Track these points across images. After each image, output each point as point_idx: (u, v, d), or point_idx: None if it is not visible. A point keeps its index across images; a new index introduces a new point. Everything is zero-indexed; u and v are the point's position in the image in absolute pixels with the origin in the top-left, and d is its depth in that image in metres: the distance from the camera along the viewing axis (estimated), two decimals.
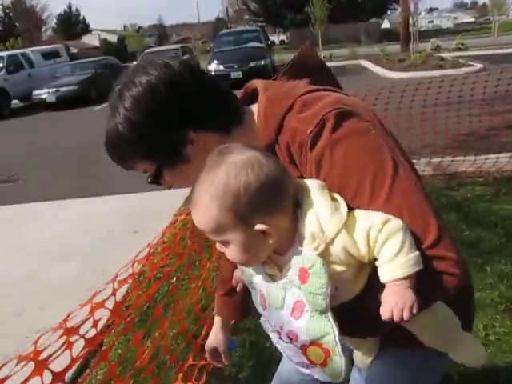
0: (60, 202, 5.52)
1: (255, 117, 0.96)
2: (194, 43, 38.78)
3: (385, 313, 0.75)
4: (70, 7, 55.21)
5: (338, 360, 0.79)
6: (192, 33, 51.51)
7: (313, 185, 0.80)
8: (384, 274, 0.76)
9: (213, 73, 14.66)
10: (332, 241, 0.76)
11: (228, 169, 0.75)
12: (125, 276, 1.49)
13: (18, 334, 2.88)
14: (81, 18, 56.52)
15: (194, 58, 19.81)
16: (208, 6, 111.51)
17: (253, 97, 1.01)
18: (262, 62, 14.27)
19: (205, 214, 0.77)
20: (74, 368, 1.44)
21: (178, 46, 19.90)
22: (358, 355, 1.05)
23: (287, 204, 0.78)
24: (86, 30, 56.65)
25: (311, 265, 0.76)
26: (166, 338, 2.40)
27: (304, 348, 0.81)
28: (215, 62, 14.65)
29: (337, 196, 0.79)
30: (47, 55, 19.00)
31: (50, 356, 1.20)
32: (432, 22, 66.31)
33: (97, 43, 47.77)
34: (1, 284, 3.62)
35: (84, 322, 1.42)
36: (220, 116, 0.93)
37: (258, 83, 1.00)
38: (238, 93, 1.07)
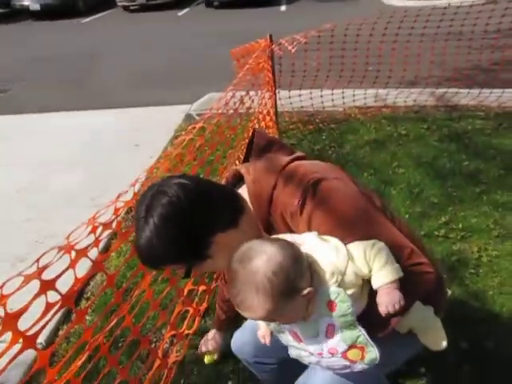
0: (55, 114, 5.41)
1: (248, 200, 1.15)
2: None
3: (383, 310, 1.00)
4: None
5: (373, 350, 1.00)
6: None
7: (311, 236, 1.02)
8: (377, 281, 1.00)
9: None
10: (345, 271, 0.97)
11: (263, 269, 0.91)
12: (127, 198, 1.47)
13: (28, 238, 2.96)
14: None
15: None
16: None
17: (237, 179, 1.24)
18: None
19: (261, 310, 0.93)
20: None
21: None
22: None
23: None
24: None
25: (336, 295, 0.96)
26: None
27: (344, 354, 1.02)
28: None
29: (331, 238, 1.02)
30: None
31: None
32: None
33: None
34: (3, 194, 3.64)
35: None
36: (230, 214, 1.11)
37: (240, 168, 1.21)
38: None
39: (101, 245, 1.40)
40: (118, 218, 1.46)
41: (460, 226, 2.74)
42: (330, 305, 0.98)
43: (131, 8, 14.98)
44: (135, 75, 6.98)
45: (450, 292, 1.40)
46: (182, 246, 1.04)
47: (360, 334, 0.99)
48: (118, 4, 14.95)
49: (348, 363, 1.03)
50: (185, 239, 1.03)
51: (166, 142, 4.24)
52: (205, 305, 2.23)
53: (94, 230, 1.33)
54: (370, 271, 1.00)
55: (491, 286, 2.31)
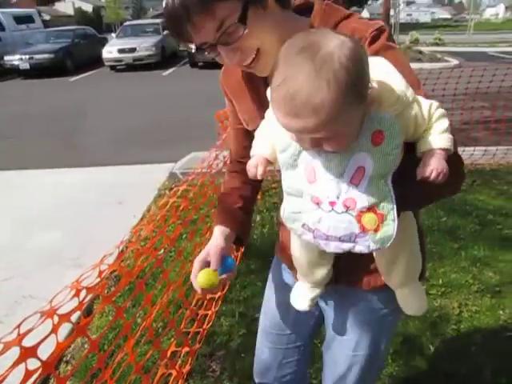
0: (39, 172, 5.44)
1: (312, 16, 0.98)
2: None
3: (425, 172, 0.81)
4: None
5: (392, 223, 0.83)
6: None
7: (382, 60, 0.83)
8: (435, 142, 0.83)
9: (193, 51, 14.45)
10: (409, 105, 0.82)
11: (337, 54, 0.71)
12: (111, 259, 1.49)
13: (7, 298, 2.90)
14: None
15: None
16: None
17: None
18: None
19: (328, 107, 0.70)
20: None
21: (158, 20, 19.45)
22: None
23: None
24: None
25: (389, 126, 0.79)
26: (158, 307, 2.48)
27: (360, 215, 0.83)
28: None
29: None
30: (19, 19, 18.19)
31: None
32: (410, 15, 67.07)
33: (71, 11, 46.06)
34: None
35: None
36: None
37: None
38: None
39: (84, 307, 1.40)
40: (103, 281, 1.47)
41: (440, 281, 2.79)
42: (376, 136, 0.80)
43: (118, 67, 15.51)
44: (120, 133, 7.11)
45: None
46: None
47: (387, 194, 0.82)
48: (106, 64, 15.47)
49: (357, 231, 0.84)
50: None
51: (150, 201, 4.27)
52: (188, 367, 2.19)
53: (77, 294, 1.33)
54: (426, 130, 0.84)
55: (473, 342, 2.33)
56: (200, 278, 1.10)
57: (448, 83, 5.02)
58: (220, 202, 1.30)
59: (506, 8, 76.24)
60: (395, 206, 0.82)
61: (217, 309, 2.59)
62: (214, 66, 14.65)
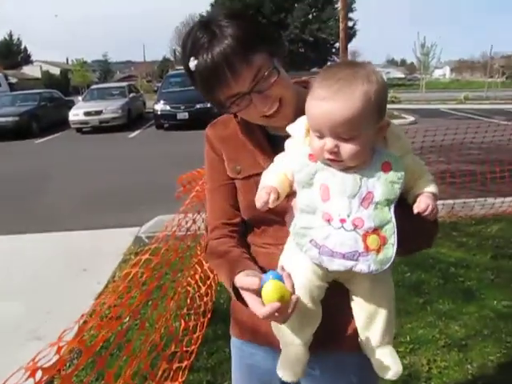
0: None
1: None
2: (140, 82, 38.74)
3: (422, 206, 0.97)
4: (10, 35, 53.83)
5: (391, 247, 0.94)
6: (137, 71, 51.54)
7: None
8: (427, 187, 1.01)
9: (159, 112, 14.78)
10: (407, 153, 1.01)
11: (372, 77, 0.93)
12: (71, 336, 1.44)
13: None
14: (22, 47, 55.15)
15: (141, 97, 19.86)
16: (155, 45, 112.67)
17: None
18: (208, 105, 14.47)
19: (353, 107, 0.90)
20: None
21: (124, 83, 19.87)
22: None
23: None
24: (28, 60, 55.20)
25: (394, 160, 0.96)
26: (122, 381, 2.37)
27: (365, 235, 0.94)
28: (162, 101, 14.76)
29: None
30: None
31: None
32: None
33: (38, 75, 46.52)
34: None
35: None
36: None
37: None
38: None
39: None
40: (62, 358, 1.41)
41: (408, 338, 2.80)
42: (385, 166, 0.96)
43: (84, 130, 15.56)
44: (85, 197, 7.03)
45: None
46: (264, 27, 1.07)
47: (391, 220, 0.94)
48: (72, 126, 15.53)
49: (361, 249, 0.93)
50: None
51: (115, 266, 4.18)
52: None
53: (33, 375, 1.27)
54: (417, 179, 1.01)
55: None
56: (269, 292, 0.91)
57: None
58: (223, 264, 1.13)
59: (451, 70, 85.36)
60: (396, 232, 0.94)
61: (183, 379, 2.50)
62: (180, 127, 14.86)
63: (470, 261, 3.85)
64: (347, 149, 0.93)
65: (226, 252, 1.15)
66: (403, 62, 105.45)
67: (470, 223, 4.80)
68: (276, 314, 0.91)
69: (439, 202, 3.66)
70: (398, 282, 3.47)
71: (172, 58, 56.08)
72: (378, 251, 0.94)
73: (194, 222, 2.99)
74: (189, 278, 3.12)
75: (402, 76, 68.28)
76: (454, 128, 5.80)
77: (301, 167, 0.99)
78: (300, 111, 1.04)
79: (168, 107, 14.52)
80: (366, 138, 0.93)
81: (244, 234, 1.22)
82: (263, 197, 0.99)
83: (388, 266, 0.95)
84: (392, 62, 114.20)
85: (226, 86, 1.00)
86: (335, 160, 0.95)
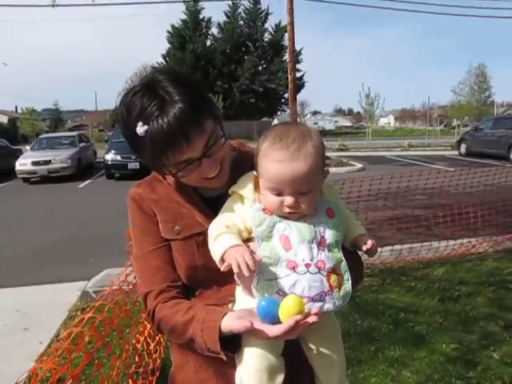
0: None
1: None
2: (91, 131, 38.34)
3: (369, 245, 1.09)
4: None
5: (347, 282, 1.04)
6: (89, 120, 51.07)
7: None
8: (361, 230, 1.14)
9: (110, 162, 14.60)
10: (338, 199, 1.15)
11: (313, 133, 1.04)
12: None
13: None
14: None
15: (91, 146, 19.60)
16: (106, 95, 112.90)
17: None
18: None
19: (311, 165, 0.99)
20: None
21: (74, 132, 19.61)
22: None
23: None
24: None
25: (335, 206, 1.09)
26: None
27: (328, 275, 1.01)
28: (113, 151, 14.61)
29: None
30: None
31: None
32: (316, 123, 73.61)
33: None
34: None
35: None
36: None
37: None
38: None
39: None
40: None
41: None
42: (330, 211, 1.07)
43: (32, 180, 15.05)
44: (30, 250, 6.71)
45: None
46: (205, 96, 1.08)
47: (342, 259, 1.05)
48: (18, 176, 15.00)
49: (326, 289, 1.00)
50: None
51: (59, 324, 3.96)
52: None
53: None
54: (350, 224, 1.12)
55: None
56: (291, 305, 0.92)
57: (352, 186, 5.46)
58: (193, 319, 1.03)
59: (396, 118, 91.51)
60: (347, 267, 1.04)
61: None
62: (131, 176, 14.63)
63: (419, 305, 3.94)
64: (305, 201, 1.01)
65: (190, 307, 1.07)
66: (350, 111, 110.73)
67: (417, 267, 4.95)
68: (297, 328, 0.92)
69: (387, 248, 3.80)
70: (349, 330, 3.48)
71: None
72: (339, 288, 1.02)
73: None
74: (137, 335, 3.00)
75: (350, 124, 71.50)
76: (400, 174, 6.09)
77: (260, 221, 1.03)
78: (230, 172, 1.12)
79: (119, 157, 14.37)
80: (317, 188, 1.05)
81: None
82: (249, 262, 0.93)
83: (348, 299, 1.03)
84: (340, 111, 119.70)
85: (178, 152, 1.00)
86: (294, 213, 1.02)
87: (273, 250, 1.01)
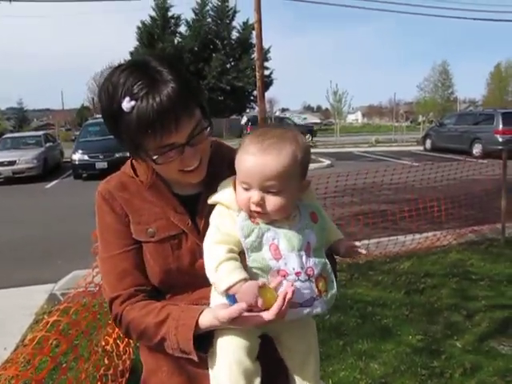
0: None
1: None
2: (58, 130, 37.33)
3: (355, 245, 1.14)
4: None
5: (332, 283, 1.06)
6: (55, 119, 49.74)
7: None
8: (340, 235, 1.16)
9: (77, 162, 14.29)
10: (316, 201, 1.14)
11: (300, 141, 1.03)
12: None
13: None
14: None
15: (58, 146, 19.13)
16: (73, 93, 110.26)
17: None
18: (128, 154, 14.30)
19: (283, 163, 0.98)
20: None
21: (40, 132, 19.08)
22: None
23: None
24: None
25: (317, 209, 1.10)
26: None
27: (317, 281, 1.02)
28: (80, 151, 14.30)
29: None
30: None
31: None
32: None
33: None
34: None
35: None
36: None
37: None
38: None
39: None
40: None
41: (330, 382, 2.83)
42: (313, 215, 1.08)
43: None
44: None
45: None
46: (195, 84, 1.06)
47: (326, 261, 1.06)
48: None
49: (315, 294, 1.02)
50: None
51: (26, 329, 3.87)
52: None
53: None
54: (330, 228, 1.13)
55: None
56: (271, 290, 0.97)
57: (319, 183, 5.53)
58: (167, 319, 1.02)
59: (363, 115, 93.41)
60: (331, 270, 1.07)
61: None
62: (99, 176, 14.46)
63: (386, 298, 4.04)
64: (272, 202, 0.99)
65: (163, 306, 1.04)
66: (319, 108, 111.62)
67: (384, 261, 5.06)
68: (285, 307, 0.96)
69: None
70: (318, 325, 3.49)
71: (91, 107, 54.93)
72: (326, 291, 1.04)
73: None
74: (106, 337, 2.97)
75: (318, 121, 72.00)
76: (366, 170, 6.20)
77: (249, 232, 1.00)
78: (208, 171, 1.09)
79: (86, 157, 14.10)
80: (291, 194, 1.01)
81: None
82: (253, 299, 0.94)
83: (334, 300, 1.07)
84: (308, 108, 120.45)
85: (166, 133, 0.96)
86: (260, 213, 1.00)
87: (263, 261, 1.00)
